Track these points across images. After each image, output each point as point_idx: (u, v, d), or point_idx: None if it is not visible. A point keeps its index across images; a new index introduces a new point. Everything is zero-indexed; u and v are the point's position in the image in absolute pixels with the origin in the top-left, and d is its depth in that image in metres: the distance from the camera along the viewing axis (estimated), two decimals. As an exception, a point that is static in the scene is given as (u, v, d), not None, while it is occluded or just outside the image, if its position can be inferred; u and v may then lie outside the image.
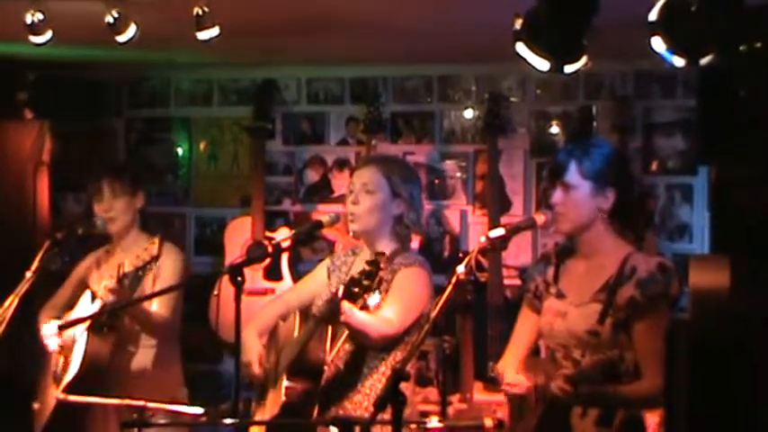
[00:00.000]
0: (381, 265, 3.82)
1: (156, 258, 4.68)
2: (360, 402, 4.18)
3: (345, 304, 3.86)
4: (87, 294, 5.01)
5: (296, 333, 4.30)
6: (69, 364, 4.90)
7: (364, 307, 3.83)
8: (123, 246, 5.12)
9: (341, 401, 4.21)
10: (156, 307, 4.95)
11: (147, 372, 5.07)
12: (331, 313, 3.94)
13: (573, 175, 3.80)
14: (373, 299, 3.80)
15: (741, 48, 3.01)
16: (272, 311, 4.54)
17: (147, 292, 4.93)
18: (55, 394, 4.89)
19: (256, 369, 4.30)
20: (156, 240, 4.65)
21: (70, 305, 5.14)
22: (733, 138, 3.24)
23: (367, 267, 3.80)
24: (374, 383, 4.18)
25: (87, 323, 4.82)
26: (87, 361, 4.83)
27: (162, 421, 4.08)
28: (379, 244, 4.30)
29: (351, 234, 4.39)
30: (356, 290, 3.80)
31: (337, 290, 3.89)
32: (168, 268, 5.00)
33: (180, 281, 5.06)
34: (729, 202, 3.26)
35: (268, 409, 4.29)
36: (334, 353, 4.20)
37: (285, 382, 4.16)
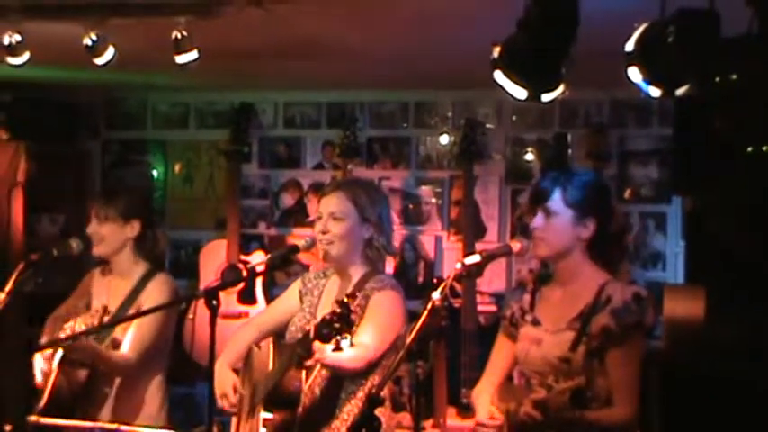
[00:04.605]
0: (352, 308, 3.79)
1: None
2: (338, 428, 4.15)
3: (317, 345, 3.83)
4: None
5: (270, 362, 4.27)
6: (44, 391, 4.83)
7: (337, 348, 3.78)
8: (116, 270, 5.04)
9: (320, 428, 4.18)
10: (126, 347, 4.83)
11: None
12: (306, 352, 3.92)
13: (556, 201, 3.81)
14: (345, 342, 3.74)
15: (716, 79, 3.04)
16: (244, 338, 4.50)
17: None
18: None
19: (232, 400, 4.28)
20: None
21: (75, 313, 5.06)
22: (707, 168, 3.27)
23: (337, 309, 3.74)
24: (352, 408, 4.16)
25: (60, 357, 4.72)
26: (52, 395, 4.73)
27: (134, 444, 4.05)
28: (351, 269, 4.30)
29: (322, 259, 4.38)
30: (326, 331, 3.76)
31: (310, 329, 3.86)
32: (153, 301, 4.89)
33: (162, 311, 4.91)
34: (704, 232, 3.29)
35: None
36: (311, 380, 4.18)
37: (263, 414, 4.14)
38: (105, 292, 5.01)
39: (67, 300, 5.16)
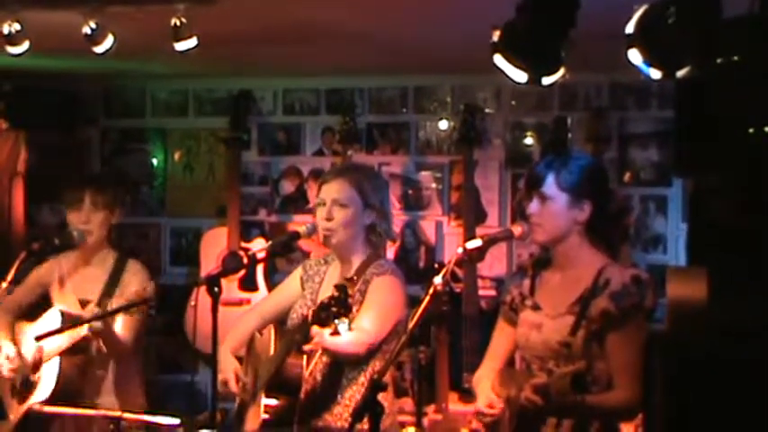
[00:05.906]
0: (350, 292, 3.79)
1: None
2: (340, 414, 4.16)
3: (315, 329, 3.84)
4: (55, 312, 4.90)
5: (272, 348, 4.28)
6: (38, 381, 4.83)
7: (335, 333, 3.78)
8: (92, 260, 5.05)
9: (321, 414, 4.20)
10: (119, 329, 4.87)
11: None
12: (304, 337, 3.93)
13: (550, 186, 3.81)
14: (343, 326, 3.75)
15: (717, 60, 3.04)
16: (247, 325, 4.52)
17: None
18: (20, 411, 4.83)
19: (233, 386, 4.28)
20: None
21: (27, 309, 5.06)
22: (708, 150, 3.26)
23: (335, 293, 3.76)
24: (354, 394, 4.17)
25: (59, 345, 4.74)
26: (61, 384, 4.74)
27: (136, 433, 4.07)
28: (352, 254, 4.31)
29: (324, 245, 4.39)
30: (324, 315, 3.76)
31: (308, 314, 3.87)
32: (133, 289, 4.91)
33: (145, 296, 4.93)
34: (706, 214, 3.29)
35: (248, 426, 4.27)
36: (312, 365, 4.19)
37: (264, 400, 4.14)
38: (73, 283, 5.02)
39: (15, 294, 5.13)
